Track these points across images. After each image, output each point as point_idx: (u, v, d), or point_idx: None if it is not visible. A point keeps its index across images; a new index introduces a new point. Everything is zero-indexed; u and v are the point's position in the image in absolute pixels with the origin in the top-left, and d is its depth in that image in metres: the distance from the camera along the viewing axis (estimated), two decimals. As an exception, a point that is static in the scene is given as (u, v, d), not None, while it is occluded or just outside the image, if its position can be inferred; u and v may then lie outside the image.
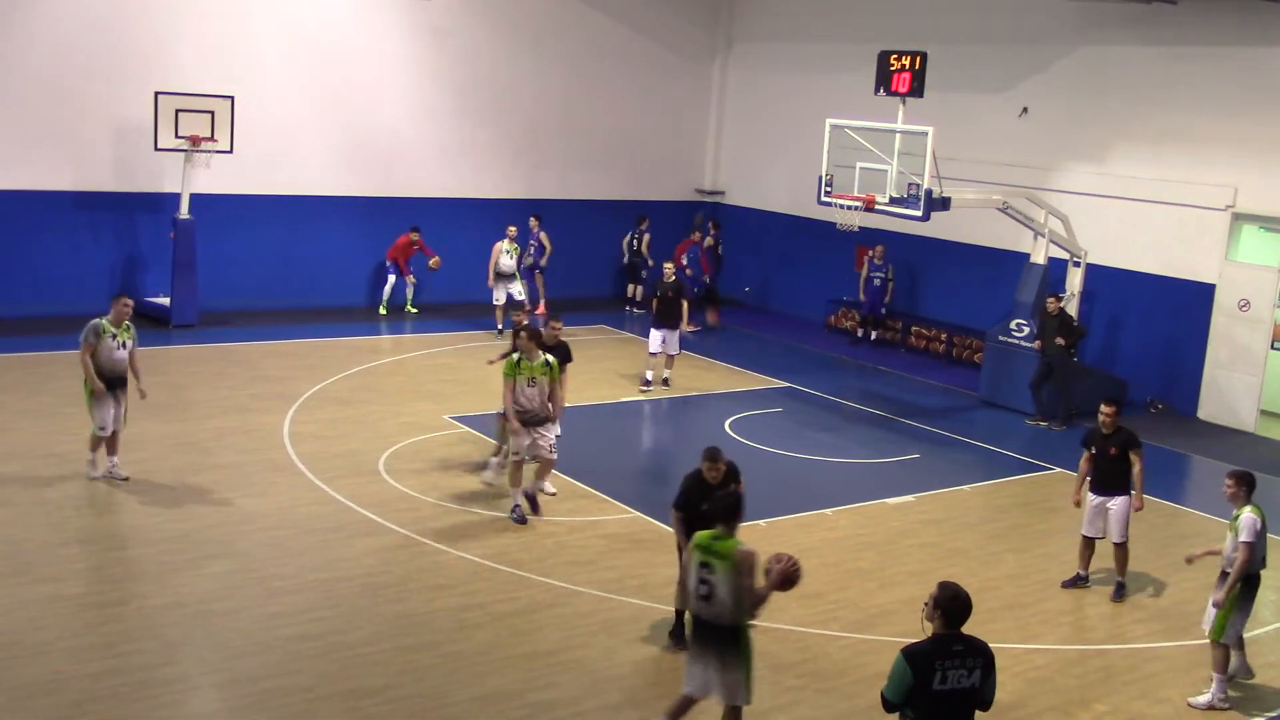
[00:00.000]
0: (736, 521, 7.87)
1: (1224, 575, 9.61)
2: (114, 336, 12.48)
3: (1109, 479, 11.51)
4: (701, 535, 7.92)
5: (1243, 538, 9.43)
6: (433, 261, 22.08)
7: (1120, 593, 11.62)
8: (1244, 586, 9.53)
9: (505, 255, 21.32)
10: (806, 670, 9.64)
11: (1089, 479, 11.70)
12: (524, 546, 11.75)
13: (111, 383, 12.46)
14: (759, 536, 12.34)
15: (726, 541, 7.76)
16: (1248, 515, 9.50)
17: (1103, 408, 11.63)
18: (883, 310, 22.97)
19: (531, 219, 22.73)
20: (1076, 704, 9.42)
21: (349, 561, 11.17)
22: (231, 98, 19.81)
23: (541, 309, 22.12)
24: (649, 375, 18.14)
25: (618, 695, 9.02)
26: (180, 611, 9.91)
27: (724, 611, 7.69)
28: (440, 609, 10.30)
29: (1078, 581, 11.81)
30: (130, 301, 12.79)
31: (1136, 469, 11.47)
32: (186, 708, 8.58)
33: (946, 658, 6.32)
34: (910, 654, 6.37)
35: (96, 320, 12.52)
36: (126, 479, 12.73)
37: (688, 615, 8.45)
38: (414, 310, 22.44)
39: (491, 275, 21.21)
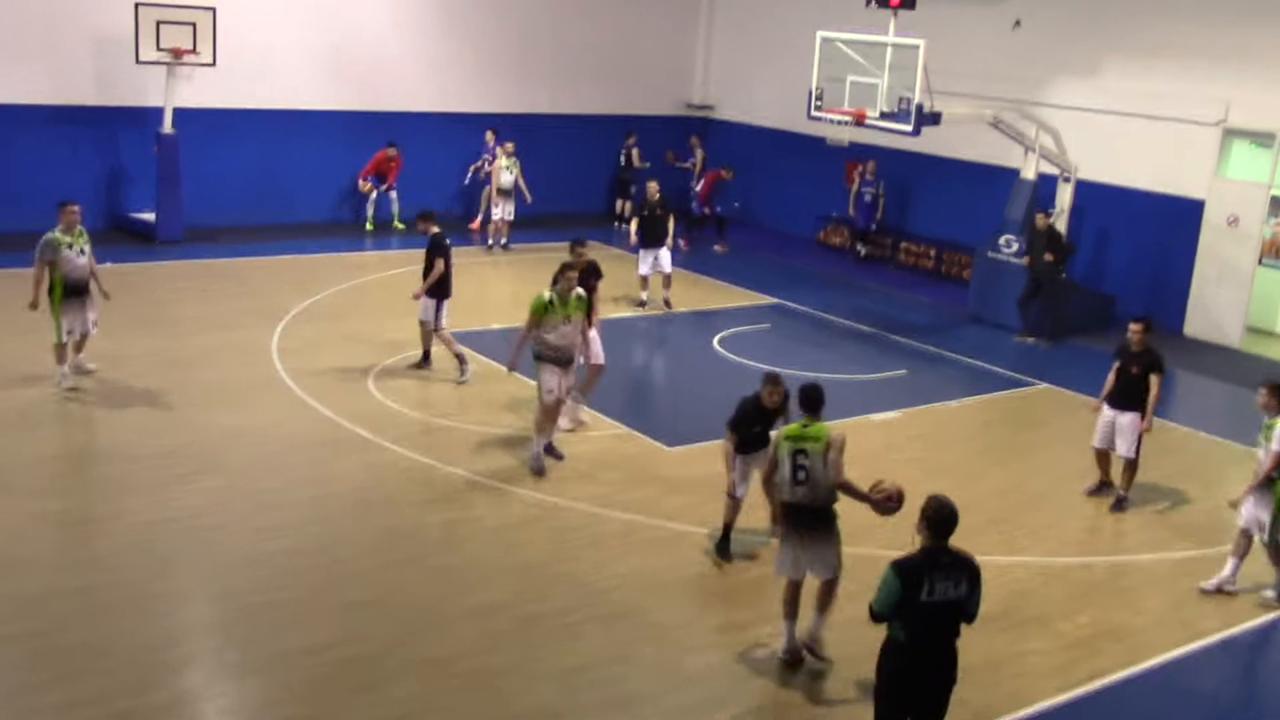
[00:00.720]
0: (820, 411, 8.65)
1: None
2: (70, 245, 12.56)
3: (1125, 395, 11.64)
4: (790, 427, 8.67)
5: (1275, 446, 9.70)
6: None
7: (1120, 505, 11.79)
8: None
9: (505, 171, 21.22)
10: (793, 583, 9.73)
11: (1107, 392, 11.83)
12: (514, 461, 11.79)
13: (77, 289, 12.64)
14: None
15: (817, 427, 8.51)
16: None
17: (1131, 325, 11.77)
18: (873, 226, 22.89)
19: (488, 132, 22.44)
20: (1058, 615, 9.56)
21: (338, 477, 11.21)
22: (213, 10, 19.45)
23: (476, 225, 22.29)
24: (644, 296, 18.03)
25: (606, 608, 9.12)
26: (170, 526, 9.96)
27: (820, 493, 8.44)
28: (429, 523, 10.37)
29: (1101, 488, 12.02)
30: (78, 206, 12.84)
31: (1153, 391, 11.57)
32: (178, 619, 8.66)
33: (934, 569, 6.41)
34: (899, 566, 6.45)
35: (49, 234, 12.56)
36: (93, 370, 12.98)
37: (777, 508, 9.15)
38: (401, 226, 22.27)
39: (494, 191, 21.18)
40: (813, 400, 8.68)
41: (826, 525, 8.55)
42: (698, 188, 23.12)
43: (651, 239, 17.87)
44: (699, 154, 25.07)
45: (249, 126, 21.43)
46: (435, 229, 14.04)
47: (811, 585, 8.65)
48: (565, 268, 11.70)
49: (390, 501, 10.78)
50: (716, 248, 22.65)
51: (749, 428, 9.96)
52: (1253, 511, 9.97)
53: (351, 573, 9.41)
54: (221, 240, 20.24)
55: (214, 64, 19.58)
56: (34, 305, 12.51)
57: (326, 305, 16.98)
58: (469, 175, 22.61)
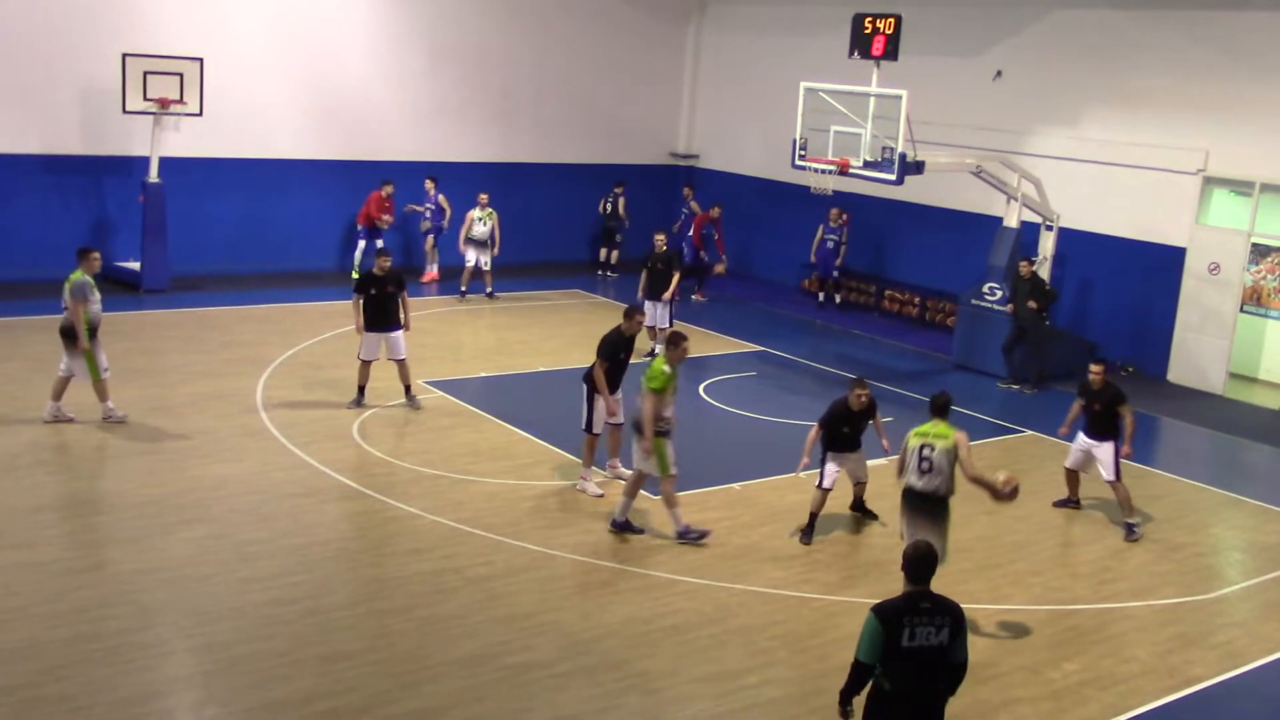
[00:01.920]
0: (947, 415, 10.10)
1: None
2: (93, 289, 13.21)
3: (1098, 428, 12.51)
4: (921, 427, 10.07)
5: None
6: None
7: (1131, 532, 12.31)
8: None
9: (478, 223, 21.24)
10: (779, 632, 9.72)
11: (1081, 421, 12.73)
12: (499, 511, 11.77)
13: (95, 332, 13.17)
14: (733, 499, 12.46)
15: (942, 427, 9.95)
16: None
17: (1091, 366, 12.69)
18: (835, 273, 23.04)
19: (427, 181, 22.26)
20: (1046, 663, 9.54)
21: (324, 526, 11.17)
22: (201, 60, 19.58)
23: (432, 275, 22.28)
24: (654, 347, 17.33)
25: (595, 658, 9.07)
26: (154, 577, 9.89)
27: (941, 483, 9.87)
28: (415, 573, 10.32)
29: (1068, 503, 12.99)
30: (99, 253, 13.65)
31: (1127, 420, 12.38)
32: (161, 672, 8.58)
33: (914, 614, 6.38)
34: (880, 610, 6.43)
35: (84, 278, 13.11)
36: (72, 419, 13.36)
37: (900, 490, 10.23)
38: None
39: (461, 242, 21.27)
40: (939, 405, 10.14)
41: (941, 511, 9.94)
42: (689, 232, 23.12)
43: (655, 292, 17.66)
44: (693, 205, 24.99)
45: (235, 176, 21.53)
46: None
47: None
48: (679, 338, 11.51)
49: (375, 551, 10.73)
50: (695, 297, 22.61)
51: (838, 427, 11.57)
52: None
53: (336, 623, 9.34)
54: (207, 289, 20.25)
55: (201, 114, 19.68)
56: (85, 348, 12.98)
57: (312, 354, 16.97)
58: (424, 224, 22.40)
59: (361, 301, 14.47)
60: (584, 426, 12.52)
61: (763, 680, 8.91)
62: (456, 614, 9.64)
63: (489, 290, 21.47)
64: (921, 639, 6.37)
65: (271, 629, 9.18)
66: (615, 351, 12.29)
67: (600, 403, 12.33)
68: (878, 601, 6.52)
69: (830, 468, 11.65)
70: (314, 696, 8.27)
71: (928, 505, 9.92)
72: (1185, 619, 10.53)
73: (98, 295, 13.27)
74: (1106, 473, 12.42)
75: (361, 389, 14.65)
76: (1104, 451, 12.41)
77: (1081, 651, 9.80)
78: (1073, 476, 12.92)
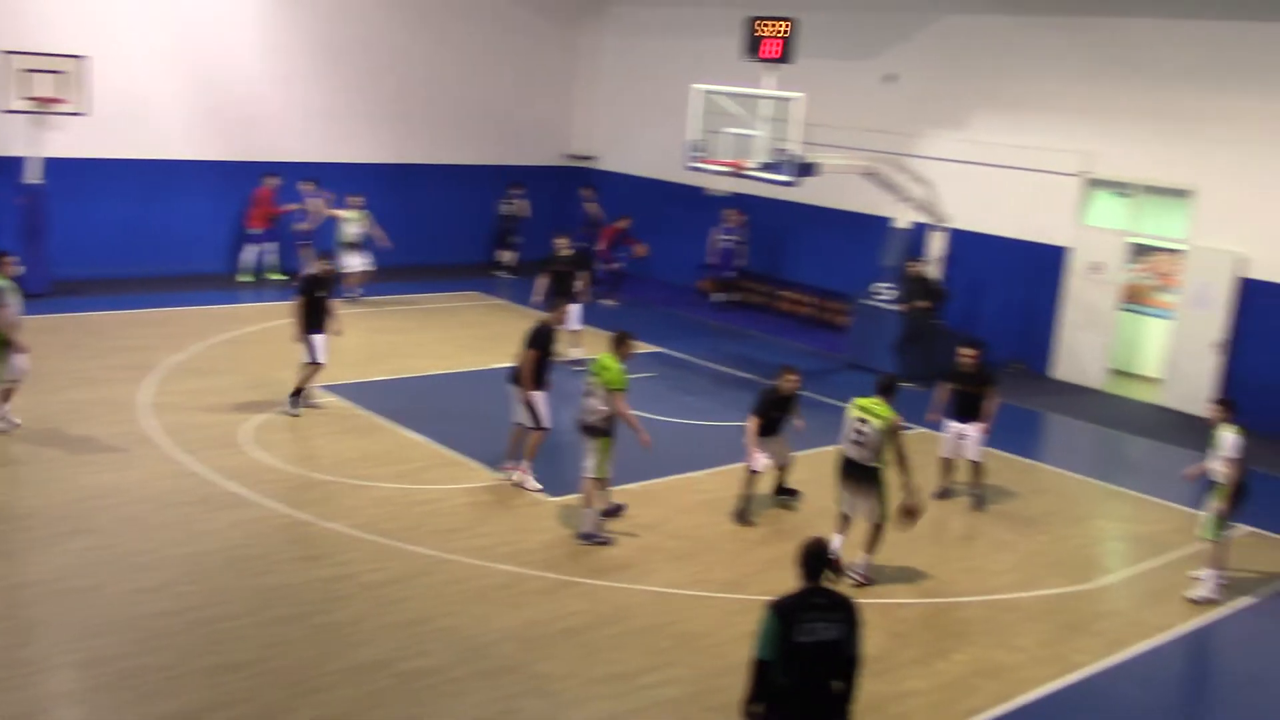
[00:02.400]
0: (891, 396, 10.79)
1: (1211, 484, 11.27)
2: (12, 293, 12.87)
3: (968, 410, 13.13)
4: (864, 400, 10.82)
5: (1228, 454, 10.96)
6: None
7: (980, 503, 13.06)
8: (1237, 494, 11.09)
9: (348, 224, 20.85)
10: (676, 631, 9.76)
11: (949, 408, 13.31)
12: (393, 516, 11.64)
13: (8, 340, 12.84)
14: (632, 499, 12.47)
15: (883, 408, 10.64)
16: (1228, 435, 11.01)
17: (962, 350, 13.27)
18: (732, 273, 23.24)
19: (306, 183, 21.70)
20: (937, 655, 9.72)
21: (213, 535, 10.93)
22: (87, 58, 19.03)
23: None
24: (575, 352, 17.22)
25: (491, 661, 9.02)
26: (35, 590, 9.60)
27: (870, 455, 10.66)
28: (308, 581, 10.15)
29: (945, 494, 13.32)
30: (15, 257, 13.29)
31: (995, 402, 13.16)
32: (42, 689, 8.31)
33: (810, 610, 6.45)
34: (776, 606, 6.48)
35: (2, 282, 12.77)
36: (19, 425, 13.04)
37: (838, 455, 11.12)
38: (278, 277, 21.90)
39: (340, 244, 20.73)
40: (884, 386, 10.84)
41: (871, 477, 10.70)
42: (598, 246, 22.98)
43: (562, 294, 17.16)
44: (592, 208, 24.98)
45: (122, 176, 20.97)
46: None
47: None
48: (628, 337, 11.94)
49: (266, 559, 10.54)
50: (608, 301, 22.48)
51: (770, 412, 12.20)
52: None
53: (226, 634, 9.15)
54: (90, 293, 19.69)
55: (87, 114, 19.12)
56: None
57: (200, 359, 16.61)
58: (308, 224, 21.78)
59: (303, 304, 14.29)
60: (532, 425, 12.53)
61: (661, 680, 8.94)
62: (350, 621, 9.51)
63: (358, 292, 21.01)
64: (817, 634, 6.43)
65: (159, 641, 8.96)
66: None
67: (543, 399, 12.51)
68: (774, 599, 6.58)
69: (763, 452, 12.27)
70: (204, 709, 8.09)
71: (858, 473, 10.76)
72: (1069, 608, 10.82)
73: (14, 300, 12.92)
74: (974, 453, 13.07)
75: (299, 391, 14.48)
76: (974, 432, 13.06)
77: (971, 642, 10.02)
78: (949, 465, 13.38)
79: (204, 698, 8.23)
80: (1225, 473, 11.03)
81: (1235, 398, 11.89)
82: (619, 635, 9.63)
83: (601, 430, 11.27)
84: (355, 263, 20.96)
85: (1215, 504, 11.12)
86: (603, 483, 11.42)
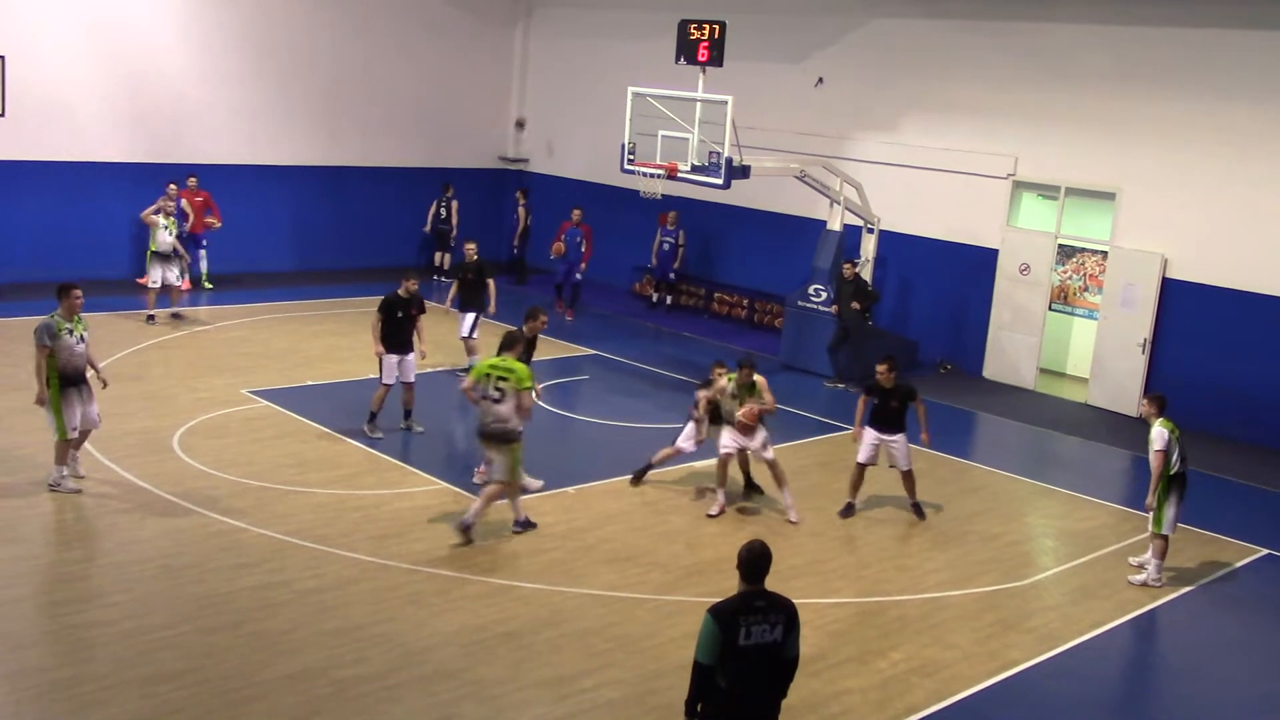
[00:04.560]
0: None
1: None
2: (70, 332, 11.67)
3: (890, 422, 12.95)
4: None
5: (1154, 446, 11.38)
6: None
7: (920, 512, 13.04)
8: (1173, 485, 11.48)
9: (163, 230, 18.93)
10: (615, 634, 9.75)
11: (869, 417, 13.12)
12: (328, 522, 11.51)
13: (74, 380, 11.72)
14: (568, 503, 12.45)
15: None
16: (1156, 429, 11.42)
17: (878, 368, 13.03)
18: (672, 275, 23.32)
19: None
20: (874, 653, 9.81)
21: (143, 543, 10.73)
22: (3, 57, 18.61)
23: (186, 285, 20.25)
24: (470, 361, 16.54)
25: (429, 667, 8.95)
26: (-43, 603, 9.36)
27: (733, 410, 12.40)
28: (242, 588, 10.01)
29: (849, 510, 13.04)
30: (81, 292, 11.87)
31: (921, 411, 13.00)
32: (-33, 703, 8.12)
33: (750, 613, 6.45)
34: (716, 611, 6.47)
35: (47, 319, 11.65)
36: (83, 478, 12.02)
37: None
38: (209, 286, 21.51)
39: (151, 255, 19.02)
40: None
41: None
42: (514, 244, 22.80)
43: (469, 304, 17.00)
44: (521, 211, 24.87)
45: (40, 179, 20.52)
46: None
47: None
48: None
49: (199, 567, 10.36)
50: (566, 315, 21.90)
51: (513, 349, 12.01)
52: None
53: (159, 643, 8.98)
54: (9, 298, 19.20)
55: (2, 114, 18.69)
56: (40, 400, 11.58)
57: (127, 365, 16.28)
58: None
59: (381, 324, 14.03)
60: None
61: (600, 682, 8.92)
62: (285, 628, 9.39)
63: (175, 310, 19.22)
64: (757, 637, 6.44)
65: (89, 652, 8.78)
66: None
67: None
68: (714, 602, 6.58)
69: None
70: (135, 720, 7.94)
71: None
72: (1003, 605, 10.97)
73: (77, 336, 11.70)
74: (904, 463, 12.98)
75: (374, 415, 14.11)
76: (898, 443, 12.93)
77: (907, 640, 10.11)
78: (860, 475, 13.04)
79: (138, 708, 8.07)
80: (1152, 464, 11.46)
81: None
82: (557, 638, 9.60)
83: (513, 435, 11.31)
84: (168, 275, 18.90)
85: (1149, 497, 11.55)
86: (514, 486, 11.57)
